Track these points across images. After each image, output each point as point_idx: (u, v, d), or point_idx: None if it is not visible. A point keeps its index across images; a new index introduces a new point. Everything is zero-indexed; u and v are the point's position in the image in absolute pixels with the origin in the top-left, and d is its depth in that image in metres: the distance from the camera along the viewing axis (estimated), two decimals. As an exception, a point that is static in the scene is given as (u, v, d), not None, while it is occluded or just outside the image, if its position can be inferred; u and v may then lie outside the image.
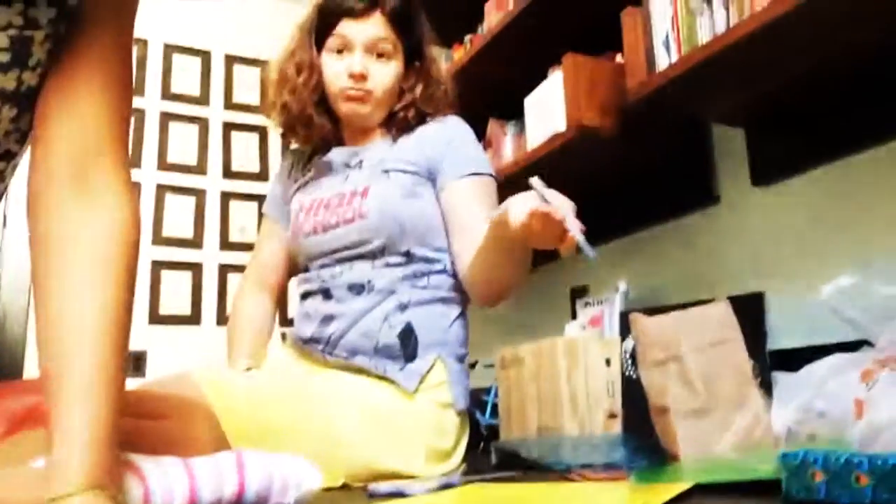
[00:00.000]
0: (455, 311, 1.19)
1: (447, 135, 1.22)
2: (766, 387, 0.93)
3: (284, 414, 1.00)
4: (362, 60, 1.19)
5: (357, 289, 1.13)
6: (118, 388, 0.57)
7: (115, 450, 0.55)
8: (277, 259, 1.32)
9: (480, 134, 1.94)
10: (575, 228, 0.84)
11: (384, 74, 1.21)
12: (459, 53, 2.05)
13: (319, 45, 1.23)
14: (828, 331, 1.18)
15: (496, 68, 1.83)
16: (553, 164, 1.56)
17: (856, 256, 1.20)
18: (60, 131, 0.62)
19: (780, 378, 0.89)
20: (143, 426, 0.83)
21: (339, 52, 1.21)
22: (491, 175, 1.22)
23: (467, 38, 2.07)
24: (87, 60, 0.64)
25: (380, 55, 1.20)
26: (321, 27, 1.23)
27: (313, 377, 1.11)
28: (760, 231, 1.39)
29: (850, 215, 1.22)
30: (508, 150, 1.82)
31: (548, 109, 1.52)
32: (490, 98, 1.88)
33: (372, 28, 1.20)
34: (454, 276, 1.18)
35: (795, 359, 0.90)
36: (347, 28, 1.20)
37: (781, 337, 1.27)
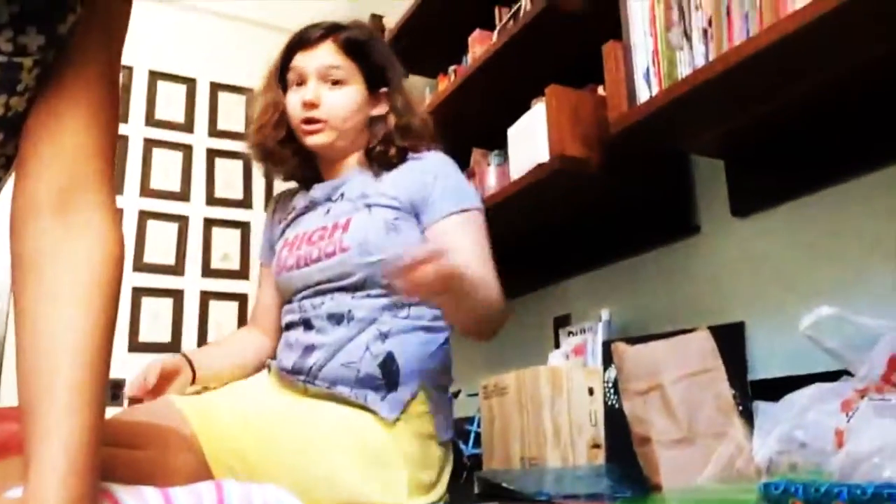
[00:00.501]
0: (437, 339, 1.18)
1: (431, 171, 1.21)
2: (748, 416, 0.94)
3: (267, 443, 0.99)
4: (315, 88, 1.19)
5: (337, 318, 1.13)
6: (98, 415, 0.57)
7: (94, 478, 0.54)
8: (275, 302, 1.31)
9: (464, 164, 1.96)
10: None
11: (337, 99, 1.20)
12: (444, 84, 2.08)
13: (285, 82, 1.25)
14: (808, 361, 1.19)
15: (480, 99, 1.86)
16: (536, 194, 1.57)
17: (835, 286, 1.22)
18: (46, 158, 0.62)
19: (761, 407, 0.89)
20: (120, 456, 0.82)
21: (298, 84, 1.22)
22: (478, 207, 1.22)
23: (451, 69, 2.10)
24: (75, 88, 0.64)
25: (334, 82, 1.21)
26: (283, 64, 1.25)
27: (295, 407, 1.10)
28: (740, 261, 1.40)
29: (829, 245, 1.24)
30: (492, 180, 1.83)
31: (531, 140, 1.54)
32: (473, 128, 1.90)
33: (323, 55, 1.21)
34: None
35: (776, 388, 0.91)
36: (301, 60, 1.22)
37: (762, 366, 1.28)
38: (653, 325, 1.54)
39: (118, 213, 0.67)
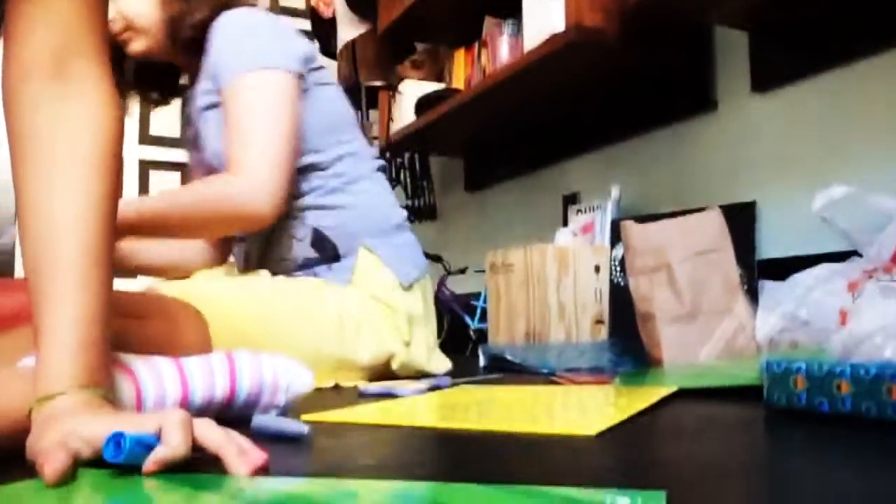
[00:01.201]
0: (354, 195, 1.15)
1: (216, 41, 1.09)
2: (753, 295, 0.94)
3: (265, 316, 1.00)
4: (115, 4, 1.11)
5: None
6: (105, 286, 0.57)
7: (105, 347, 0.55)
8: None
9: (476, 33, 1.88)
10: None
11: (127, 5, 1.11)
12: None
13: None
14: (819, 241, 1.19)
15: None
16: (550, 67, 1.51)
17: (851, 166, 1.19)
18: (35, 25, 0.59)
19: (767, 286, 0.89)
20: (129, 325, 0.83)
21: None
22: (265, 66, 1.05)
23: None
24: None
25: None
26: None
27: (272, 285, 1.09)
28: (756, 139, 1.37)
29: (849, 125, 1.20)
30: (504, 53, 1.76)
31: (547, 8, 1.46)
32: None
33: None
34: (328, 166, 1.13)
35: (785, 268, 0.91)
36: None
37: (773, 246, 1.28)
38: (663, 203, 1.53)
39: (115, 88, 0.65)
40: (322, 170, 1.13)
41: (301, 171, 1.11)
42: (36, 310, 0.54)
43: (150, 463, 0.41)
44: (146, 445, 0.42)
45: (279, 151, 1.01)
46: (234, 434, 0.44)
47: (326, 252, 1.11)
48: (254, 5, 1.17)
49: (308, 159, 1.11)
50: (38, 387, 0.50)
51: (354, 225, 1.13)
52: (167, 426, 0.43)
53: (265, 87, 1.03)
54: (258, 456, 0.42)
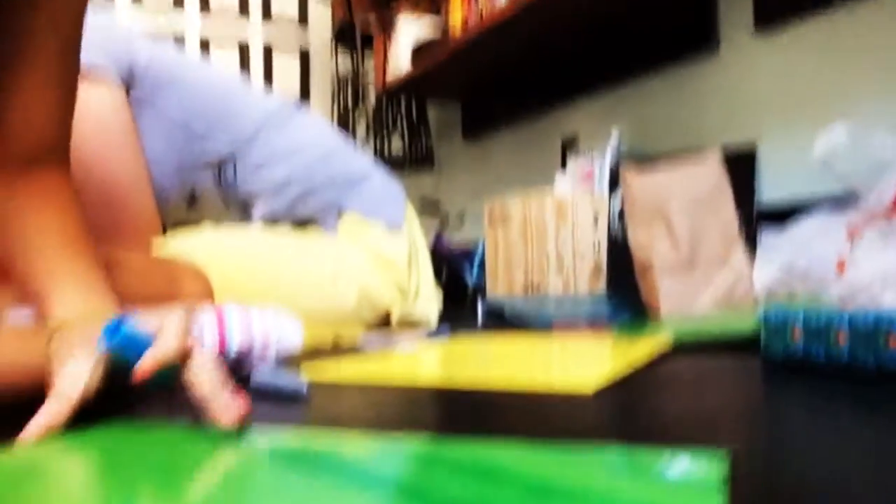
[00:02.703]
0: (291, 166, 1.09)
1: None
2: (753, 244, 0.94)
3: (260, 270, 1.00)
4: None
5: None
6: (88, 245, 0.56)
7: (110, 297, 0.54)
8: None
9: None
10: None
11: None
12: None
13: None
14: (821, 184, 1.17)
15: None
16: (548, 8, 1.47)
17: (856, 108, 1.17)
18: (13, 118, 0.58)
19: (766, 235, 0.89)
20: (130, 283, 0.82)
21: None
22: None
23: None
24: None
25: None
26: None
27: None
28: (760, 80, 1.34)
29: (852, 66, 1.17)
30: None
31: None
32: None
33: None
34: (236, 153, 1.07)
35: (785, 215, 0.90)
36: None
37: (773, 190, 1.26)
38: (663, 144, 1.51)
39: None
40: (235, 160, 1.07)
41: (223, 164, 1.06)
42: (24, 279, 0.53)
43: (140, 368, 0.41)
44: (141, 344, 0.42)
45: None
46: (223, 381, 0.43)
47: (308, 219, 1.09)
48: None
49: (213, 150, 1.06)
50: (50, 322, 0.49)
51: (317, 195, 1.10)
52: (164, 328, 0.43)
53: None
54: (240, 406, 0.41)
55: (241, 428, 0.40)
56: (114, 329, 0.41)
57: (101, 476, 0.33)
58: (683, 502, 0.26)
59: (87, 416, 0.42)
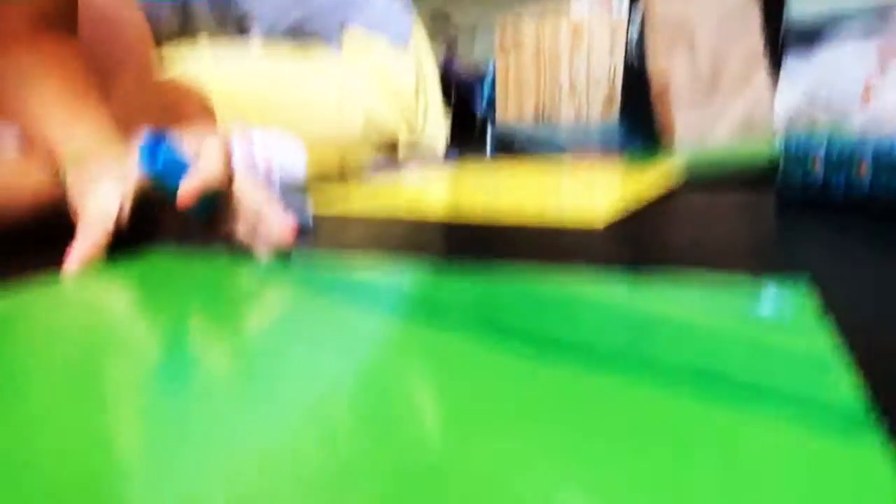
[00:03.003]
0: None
1: None
2: (777, 66, 0.89)
3: (264, 95, 0.97)
4: None
5: None
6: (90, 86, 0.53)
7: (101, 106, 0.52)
8: None
9: None
10: None
11: None
12: None
13: None
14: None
15: None
16: None
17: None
18: None
19: (792, 59, 0.84)
20: (133, 107, 0.80)
21: None
22: None
23: None
24: None
25: None
26: None
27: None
28: None
29: None
30: None
31: None
32: None
33: None
34: None
35: (813, 37, 0.84)
36: None
37: (803, 2, 1.18)
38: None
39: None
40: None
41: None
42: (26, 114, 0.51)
43: (184, 192, 0.38)
44: (182, 167, 0.39)
45: None
46: (272, 201, 0.42)
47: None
48: None
49: None
50: (61, 150, 0.46)
51: (318, 7, 1.03)
52: (204, 151, 0.41)
53: None
54: (291, 224, 0.40)
55: (290, 250, 0.40)
56: (152, 150, 0.39)
57: (153, 301, 0.33)
58: (792, 337, 0.23)
59: (126, 244, 0.41)
